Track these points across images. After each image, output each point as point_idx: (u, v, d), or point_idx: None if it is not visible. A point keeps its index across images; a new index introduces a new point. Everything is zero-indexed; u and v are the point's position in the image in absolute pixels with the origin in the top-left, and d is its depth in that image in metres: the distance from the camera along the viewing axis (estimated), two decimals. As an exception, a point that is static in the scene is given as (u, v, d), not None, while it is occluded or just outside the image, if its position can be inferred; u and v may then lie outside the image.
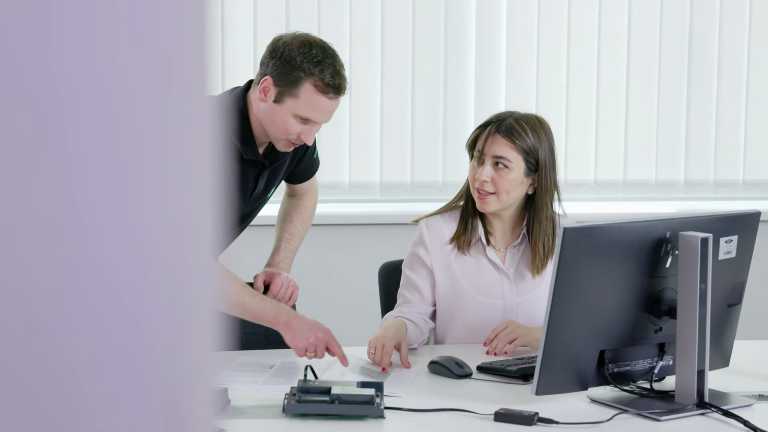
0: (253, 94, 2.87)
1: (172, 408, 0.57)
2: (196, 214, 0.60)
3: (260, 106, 2.84)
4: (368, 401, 2.36)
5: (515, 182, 2.92)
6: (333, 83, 2.78)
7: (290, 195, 3.26)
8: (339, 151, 4.57)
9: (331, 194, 4.57)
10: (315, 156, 3.17)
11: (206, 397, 0.58)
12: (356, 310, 4.33)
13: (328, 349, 2.70)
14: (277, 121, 2.81)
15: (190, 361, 0.58)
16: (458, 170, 4.47)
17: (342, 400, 2.36)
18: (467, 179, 3.02)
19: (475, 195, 2.96)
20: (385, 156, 4.60)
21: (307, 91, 2.78)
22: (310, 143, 2.85)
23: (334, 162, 4.55)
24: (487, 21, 4.61)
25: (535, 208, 2.98)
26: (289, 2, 4.48)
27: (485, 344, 2.87)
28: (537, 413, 2.36)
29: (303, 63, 2.77)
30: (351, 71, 4.49)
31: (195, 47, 0.62)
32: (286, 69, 2.78)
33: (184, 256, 0.60)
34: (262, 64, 2.86)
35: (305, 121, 2.80)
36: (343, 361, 2.69)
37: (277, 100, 2.81)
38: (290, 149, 2.89)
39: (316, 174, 3.25)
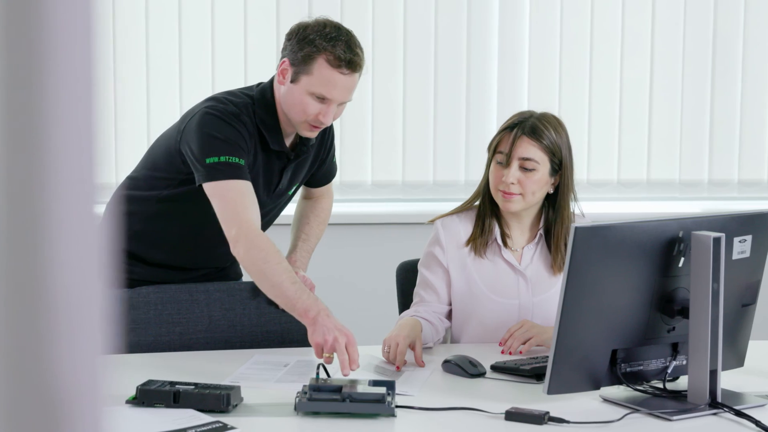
0: (276, 81, 2.90)
1: (48, 405, 0.57)
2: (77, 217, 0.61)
3: (281, 90, 2.87)
4: (379, 400, 2.36)
5: (541, 182, 2.93)
6: (345, 57, 2.77)
7: (306, 198, 3.29)
8: (362, 151, 4.58)
9: (354, 193, 4.58)
10: (334, 161, 3.22)
11: (91, 395, 0.59)
12: (376, 309, 4.34)
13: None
14: (295, 101, 2.83)
15: (71, 361, 0.59)
16: (480, 170, 4.42)
17: (353, 398, 2.37)
18: (483, 179, 3.02)
19: (498, 196, 2.96)
20: (408, 155, 4.61)
21: (320, 66, 2.78)
22: (328, 123, 2.85)
23: (357, 161, 4.56)
24: (509, 20, 4.61)
25: (557, 207, 2.98)
26: (312, 1, 4.51)
27: (500, 344, 2.87)
28: (548, 412, 2.35)
29: (316, 39, 2.79)
30: (374, 70, 4.53)
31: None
32: (300, 47, 2.80)
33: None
34: (282, 50, 2.89)
35: (321, 99, 2.80)
36: (346, 367, 2.57)
37: (293, 80, 2.83)
38: (314, 134, 2.90)
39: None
